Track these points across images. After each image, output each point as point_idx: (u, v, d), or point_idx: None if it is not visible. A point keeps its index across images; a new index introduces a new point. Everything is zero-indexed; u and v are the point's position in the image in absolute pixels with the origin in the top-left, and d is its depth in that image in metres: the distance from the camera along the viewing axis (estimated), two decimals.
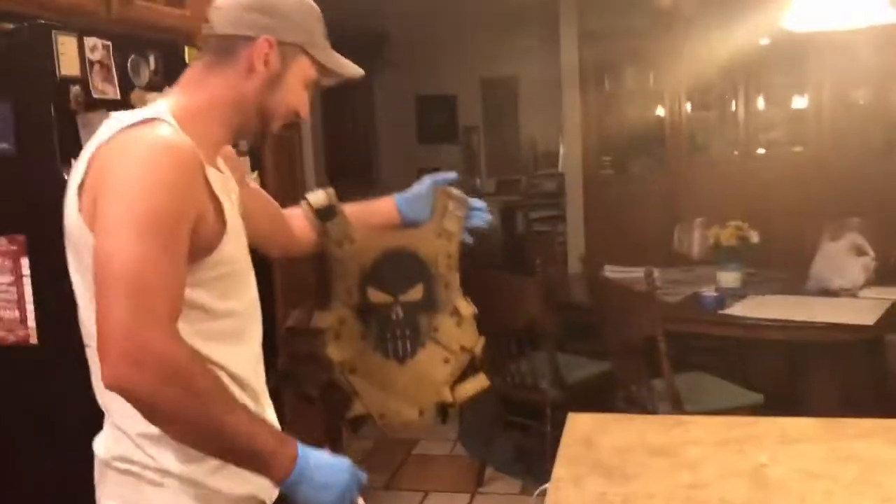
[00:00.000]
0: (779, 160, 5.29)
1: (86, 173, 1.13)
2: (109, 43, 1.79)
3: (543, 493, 1.44)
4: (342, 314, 1.48)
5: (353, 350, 1.49)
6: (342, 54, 1.33)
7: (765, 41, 4.97)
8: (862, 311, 3.04)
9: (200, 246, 1.16)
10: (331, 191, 1.53)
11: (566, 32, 5.48)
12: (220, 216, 1.19)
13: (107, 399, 1.18)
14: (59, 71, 1.67)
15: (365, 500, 1.26)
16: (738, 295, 3.37)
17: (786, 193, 5.02)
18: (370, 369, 1.50)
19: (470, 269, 1.61)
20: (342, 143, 6.35)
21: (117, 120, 1.16)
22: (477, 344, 1.61)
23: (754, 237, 3.50)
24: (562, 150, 6.30)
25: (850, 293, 3.31)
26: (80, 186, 1.13)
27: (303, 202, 1.51)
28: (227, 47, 1.23)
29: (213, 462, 1.18)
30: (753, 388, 3.17)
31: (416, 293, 1.52)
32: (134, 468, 1.19)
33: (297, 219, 1.52)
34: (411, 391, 1.53)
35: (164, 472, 1.18)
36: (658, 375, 2.96)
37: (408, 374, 1.53)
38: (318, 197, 1.51)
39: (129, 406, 1.07)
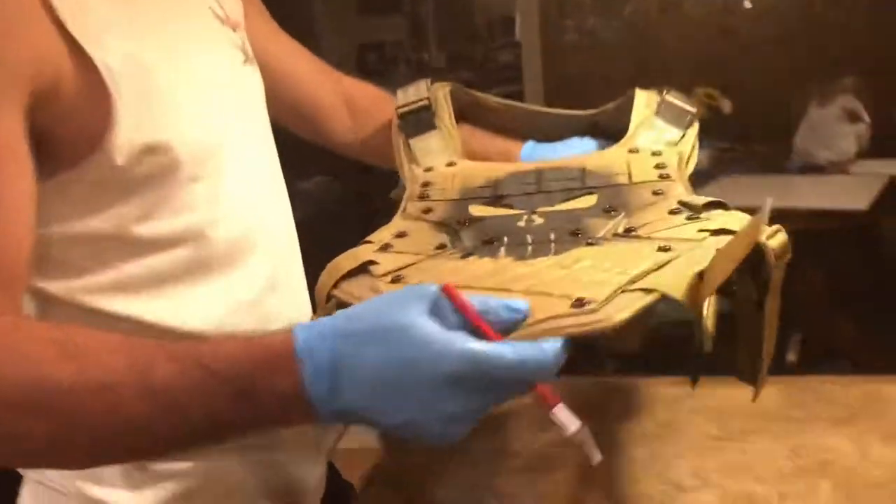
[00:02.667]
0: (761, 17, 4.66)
1: None
2: None
3: None
4: (405, 227, 0.87)
5: (403, 260, 0.80)
6: None
7: None
8: (853, 192, 2.64)
9: (75, 136, 0.65)
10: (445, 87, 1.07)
11: None
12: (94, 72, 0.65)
13: None
14: None
15: None
16: (705, 175, 2.83)
17: (765, 54, 4.43)
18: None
19: None
20: None
21: None
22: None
23: (726, 107, 2.93)
24: (518, 17, 5.60)
25: (840, 168, 2.85)
26: None
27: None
28: None
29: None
30: None
31: (580, 202, 0.88)
32: None
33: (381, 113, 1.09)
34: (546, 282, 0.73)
35: None
36: None
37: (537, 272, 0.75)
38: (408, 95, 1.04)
39: None
